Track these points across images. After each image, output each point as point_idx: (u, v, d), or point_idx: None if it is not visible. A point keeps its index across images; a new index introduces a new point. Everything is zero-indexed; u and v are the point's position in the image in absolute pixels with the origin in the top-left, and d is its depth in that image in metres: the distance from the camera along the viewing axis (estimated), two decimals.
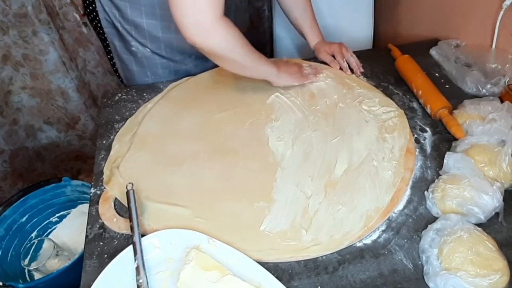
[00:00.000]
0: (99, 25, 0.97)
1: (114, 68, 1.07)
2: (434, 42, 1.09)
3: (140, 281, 0.56)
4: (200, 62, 1.02)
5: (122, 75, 1.06)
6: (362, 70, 1.00)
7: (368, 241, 0.66)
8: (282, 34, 1.41)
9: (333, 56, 1.02)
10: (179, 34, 0.91)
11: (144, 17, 0.90)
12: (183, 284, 0.57)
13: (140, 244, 0.60)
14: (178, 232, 0.63)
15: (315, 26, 1.06)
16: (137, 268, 0.58)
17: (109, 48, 1.01)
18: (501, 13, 0.90)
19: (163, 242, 0.62)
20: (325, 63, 1.04)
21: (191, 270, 0.58)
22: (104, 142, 0.85)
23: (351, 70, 1.01)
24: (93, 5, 0.93)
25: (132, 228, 0.62)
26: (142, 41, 0.95)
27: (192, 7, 0.65)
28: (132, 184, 0.67)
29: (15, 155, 1.57)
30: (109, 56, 1.05)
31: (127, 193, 0.66)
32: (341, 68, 1.01)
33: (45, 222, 1.33)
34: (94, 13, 0.95)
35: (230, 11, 0.93)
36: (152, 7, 0.89)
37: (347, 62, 1.01)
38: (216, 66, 1.01)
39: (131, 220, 0.63)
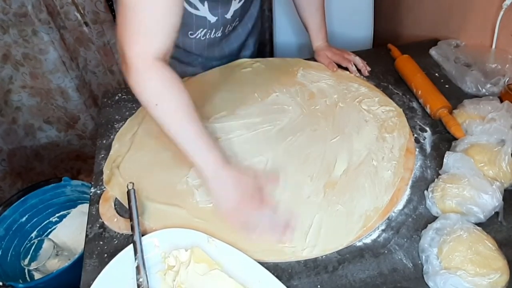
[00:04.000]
0: (112, 7, 0.95)
1: None
2: (434, 42, 1.09)
3: (140, 280, 0.57)
4: (207, 63, 1.02)
5: None
6: (369, 68, 1.00)
7: (368, 240, 0.66)
8: (282, 34, 1.41)
9: (337, 65, 1.01)
10: (187, 37, 0.90)
11: None
12: (182, 283, 0.57)
13: (141, 244, 0.60)
14: (178, 232, 0.63)
15: (322, 28, 1.05)
16: (137, 267, 0.58)
17: None
18: (501, 13, 0.90)
19: (163, 242, 0.62)
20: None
21: (189, 269, 0.58)
22: (104, 141, 0.85)
23: (359, 71, 1.01)
24: None
25: (132, 228, 0.62)
26: None
27: (128, 41, 0.59)
28: (133, 183, 0.67)
29: (13, 154, 1.57)
30: None
31: (128, 192, 0.66)
32: (347, 70, 1.01)
33: (45, 222, 1.33)
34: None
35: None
36: None
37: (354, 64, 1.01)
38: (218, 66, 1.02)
39: (131, 220, 0.63)
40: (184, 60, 0.99)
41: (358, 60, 1.00)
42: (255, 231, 0.63)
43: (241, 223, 0.64)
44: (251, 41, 1.08)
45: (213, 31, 0.91)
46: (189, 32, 0.90)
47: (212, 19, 0.88)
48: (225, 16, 0.89)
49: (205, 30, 0.90)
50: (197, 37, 0.91)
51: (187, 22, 0.87)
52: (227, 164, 0.64)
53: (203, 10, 0.85)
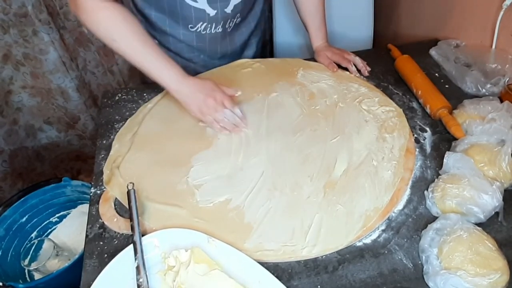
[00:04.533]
0: None
1: None
2: (434, 42, 1.09)
3: (140, 280, 0.57)
4: (209, 61, 1.02)
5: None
6: (369, 69, 1.00)
7: (368, 240, 0.66)
8: (282, 34, 1.41)
9: (337, 64, 1.01)
10: (187, 30, 0.90)
11: (153, 10, 0.90)
12: (182, 283, 0.57)
13: (141, 244, 0.60)
14: (178, 232, 0.63)
15: (322, 28, 1.05)
16: (137, 268, 0.58)
17: None
18: (501, 13, 0.90)
19: (163, 242, 0.62)
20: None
21: (189, 270, 0.58)
22: (104, 142, 0.85)
23: (359, 71, 1.01)
24: None
25: (132, 228, 0.62)
26: (151, 32, 0.94)
27: None
28: (133, 183, 0.67)
29: (14, 155, 1.57)
30: None
31: (128, 192, 0.66)
32: (347, 70, 1.01)
33: (45, 222, 1.33)
34: None
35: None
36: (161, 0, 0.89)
37: (353, 64, 1.01)
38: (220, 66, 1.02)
39: (131, 220, 0.63)
40: (186, 55, 0.99)
41: (358, 60, 1.00)
42: (219, 125, 0.80)
43: (209, 121, 0.80)
44: (254, 40, 1.08)
45: (213, 25, 0.92)
46: (189, 25, 0.90)
47: (211, 12, 0.88)
48: (225, 10, 0.89)
49: (204, 24, 0.90)
50: (198, 30, 0.92)
51: (186, 15, 0.87)
52: (187, 76, 0.79)
53: (201, 2, 0.86)
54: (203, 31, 0.92)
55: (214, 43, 0.97)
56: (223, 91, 0.82)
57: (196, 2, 0.85)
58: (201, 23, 0.90)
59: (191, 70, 1.00)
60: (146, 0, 0.89)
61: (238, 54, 1.06)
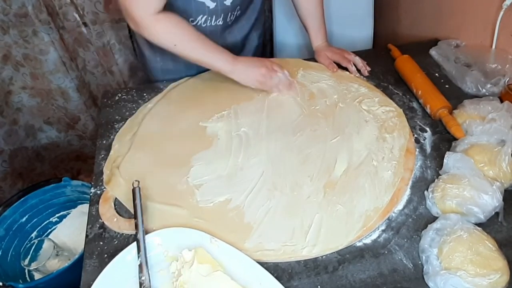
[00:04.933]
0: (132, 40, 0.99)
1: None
2: (434, 42, 1.09)
3: (143, 278, 0.57)
4: None
5: (138, 58, 1.11)
6: (369, 68, 1.00)
7: (368, 240, 0.66)
8: (282, 34, 1.41)
9: (337, 64, 1.01)
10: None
11: None
12: (185, 283, 0.57)
13: (144, 242, 0.60)
14: (181, 231, 0.63)
15: (322, 28, 1.05)
16: (140, 266, 0.58)
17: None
18: (501, 13, 0.90)
19: (165, 241, 0.62)
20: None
21: (192, 270, 0.58)
22: (104, 142, 0.85)
23: (359, 71, 1.01)
24: None
25: (136, 226, 0.62)
26: None
27: (129, 2, 0.76)
28: (138, 181, 0.68)
29: (14, 155, 1.57)
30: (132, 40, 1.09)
31: (133, 190, 0.66)
32: (347, 70, 1.01)
33: (45, 222, 1.33)
34: None
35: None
36: None
37: (353, 64, 1.01)
38: None
39: (136, 218, 0.63)
40: None
41: (358, 60, 1.00)
42: (279, 87, 0.91)
43: (269, 86, 0.91)
44: (255, 34, 1.08)
45: (213, 18, 0.92)
46: (190, 19, 0.91)
47: (211, 4, 0.88)
48: (224, 2, 0.90)
49: (205, 17, 0.91)
50: (198, 24, 0.92)
51: (187, 8, 0.88)
52: (236, 57, 0.88)
53: None
54: (203, 24, 0.92)
55: (215, 36, 0.97)
56: (269, 59, 0.92)
57: None
58: (201, 15, 0.90)
59: (192, 64, 1.01)
60: None
61: (239, 48, 1.06)
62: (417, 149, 0.81)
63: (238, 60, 0.88)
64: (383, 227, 0.67)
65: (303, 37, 1.35)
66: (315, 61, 1.05)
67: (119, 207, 0.72)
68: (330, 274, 0.61)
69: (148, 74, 1.09)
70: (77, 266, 0.95)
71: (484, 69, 0.93)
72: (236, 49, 1.04)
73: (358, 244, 0.65)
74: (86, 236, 0.67)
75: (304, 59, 1.06)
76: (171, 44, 0.82)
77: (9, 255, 1.23)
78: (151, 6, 0.77)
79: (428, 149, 0.81)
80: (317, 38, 1.06)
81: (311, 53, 1.08)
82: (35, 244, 1.24)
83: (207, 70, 1.00)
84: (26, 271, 1.23)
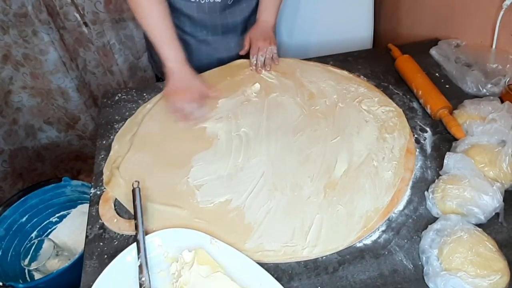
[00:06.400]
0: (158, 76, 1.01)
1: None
2: (434, 42, 1.08)
3: (143, 279, 0.57)
4: (211, 38, 1.03)
5: (149, 60, 1.14)
6: (268, 68, 0.99)
7: (368, 241, 0.66)
8: (282, 34, 1.41)
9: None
10: (188, 1, 0.95)
11: None
12: (185, 284, 0.57)
13: (144, 243, 0.60)
14: (181, 232, 0.63)
15: (271, 6, 1.04)
16: (140, 267, 0.58)
17: None
18: (501, 13, 0.90)
19: (165, 242, 0.62)
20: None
21: (193, 270, 0.58)
22: (104, 142, 0.85)
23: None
24: None
25: (136, 226, 0.62)
26: None
27: None
28: (138, 182, 0.68)
29: (14, 155, 1.57)
30: None
31: (133, 191, 0.66)
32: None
33: (45, 222, 1.33)
34: None
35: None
36: None
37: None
38: (222, 63, 1.02)
39: (136, 218, 0.63)
40: (188, 30, 1.01)
41: (268, 57, 0.99)
42: (184, 116, 0.85)
43: (175, 108, 0.86)
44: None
45: None
46: None
47: None
48: None
49: None
50: (197, 0, 0.94)
51: None
52: (187, 64, 0.89)
53: None
54: (202, 0, 0.94)
55: (214, 14, 0.98)
56: (205, 89, 0.89)
57: None
58: None
59: (193, 46, 1.02)
60: None
61: (240, 31, 1.05)
62: (418, 150, 0.81)
63: (184, 67, 0.89)
64: (383, 228, 0.67)
65: (303, 37, 1.35)
66: (315, 61, 1.05)
67: (119, 208, 0.72)
68: (330, 275, 0.61)
69: (158, 74, 1.10)
70: (77, 266, 0.95)
71: (485, 69, 0.93)
72: (236, 32, 1.05)
73: (359, 244, 0.65)
74: (86, 236, 0.67)
75: (304, 59, 1.06)
76: (141, 12, 0.86)
77: (9, 255, 1.23)
78: None
79: (429, 150, 0.81)
80: (261, 13, 1.05)
81: (311, 53, 1.08)
82: (35, 244, 1.24)
83: (208, 70, 1.00)
84: (26, 271, 1.23)
